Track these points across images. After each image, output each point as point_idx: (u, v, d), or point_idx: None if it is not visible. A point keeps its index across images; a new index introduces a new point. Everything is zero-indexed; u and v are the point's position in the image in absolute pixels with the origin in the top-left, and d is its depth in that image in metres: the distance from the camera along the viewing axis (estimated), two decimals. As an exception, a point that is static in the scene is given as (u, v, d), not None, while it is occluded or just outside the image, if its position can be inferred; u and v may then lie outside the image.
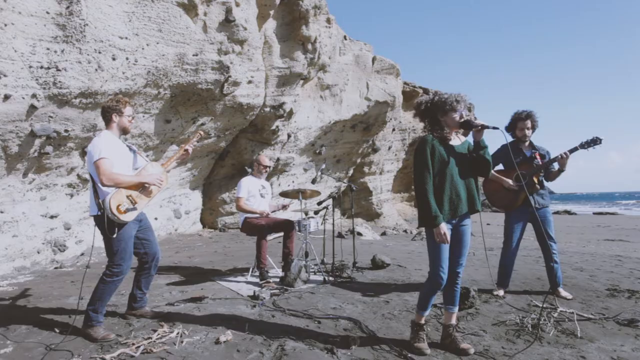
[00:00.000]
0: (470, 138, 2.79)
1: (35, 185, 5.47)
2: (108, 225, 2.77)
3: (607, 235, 13.36)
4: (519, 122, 3.93)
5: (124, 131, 3.02)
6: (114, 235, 2.78)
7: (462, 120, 2.61)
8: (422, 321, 2.70)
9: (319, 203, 5.30)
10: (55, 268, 5.36)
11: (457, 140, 2.71)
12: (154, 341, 2.69)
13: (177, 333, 2.82)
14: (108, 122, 2.99)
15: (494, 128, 2.67)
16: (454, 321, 2.71)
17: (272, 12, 8.27)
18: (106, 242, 2.84)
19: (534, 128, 3.96)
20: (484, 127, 2.60)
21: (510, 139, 4.08)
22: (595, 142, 3.65)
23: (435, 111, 2.64)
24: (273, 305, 3.53)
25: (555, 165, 3.89)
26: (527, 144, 3.99)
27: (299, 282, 4.20)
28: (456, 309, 2.72)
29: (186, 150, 3.31)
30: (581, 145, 3.69)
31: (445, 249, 2.55)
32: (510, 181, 3.89)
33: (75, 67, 4.89)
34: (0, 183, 4.98)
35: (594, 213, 31.09)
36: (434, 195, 2.54)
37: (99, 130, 5.62)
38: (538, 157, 3.90)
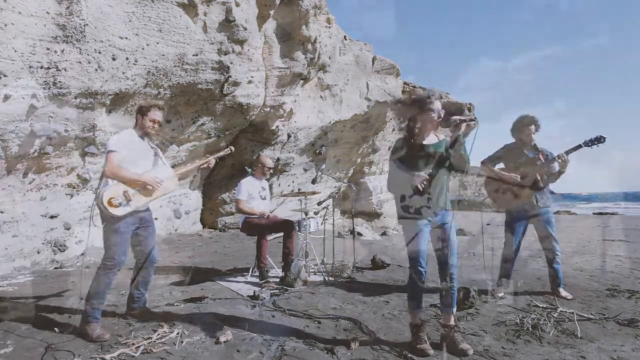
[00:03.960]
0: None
1: (35, 185, 5.46)
2: (101, 215, 2.89)
3: (607, 235, 13.35)
4: (525, 128, 3.90)
5: (144, 133, 3.11)
6: (102, 225, 2.89)
7: (439, 118, 2.61)
8: (419, 321, 2.69)
9: (319, 203, 5.29)
10: (55, 268, 5.35)
11: (434, 138, 2.71)
12: (154, 341, 2.69)
13: (177, 333, 2.82)
14: (136, 120, 3.13)
15: (471, 120, 2.60)
16: (452, 322, 2.69)
17: (272, 12, 8.25)
18: (103, 235, 2.93)
19: (537, 130, 3.95)
20: (462, 121, 2.56)
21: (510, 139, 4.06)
22: (599, 140, 3.63)
23: (413, 110, 2.65)
24: (273, 305, 3.53)
25: (555, 167, 3.86)
26: (529, 146, 3.97)
27: (299, 282, 4.20)
28: (454, 309, 2.70)
29: (208, 162, 3.45)
30: (585, 143, 3.67)
31: (422, 241, 2.58)
32: (516, 176, 3.83)
33: (75, 67, 4.89)
34: (0, 183, 4.98)
35: (594, 213, 31.05)
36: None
37: (99, 131, 5.63)
38: (542, 157, 3.88)
